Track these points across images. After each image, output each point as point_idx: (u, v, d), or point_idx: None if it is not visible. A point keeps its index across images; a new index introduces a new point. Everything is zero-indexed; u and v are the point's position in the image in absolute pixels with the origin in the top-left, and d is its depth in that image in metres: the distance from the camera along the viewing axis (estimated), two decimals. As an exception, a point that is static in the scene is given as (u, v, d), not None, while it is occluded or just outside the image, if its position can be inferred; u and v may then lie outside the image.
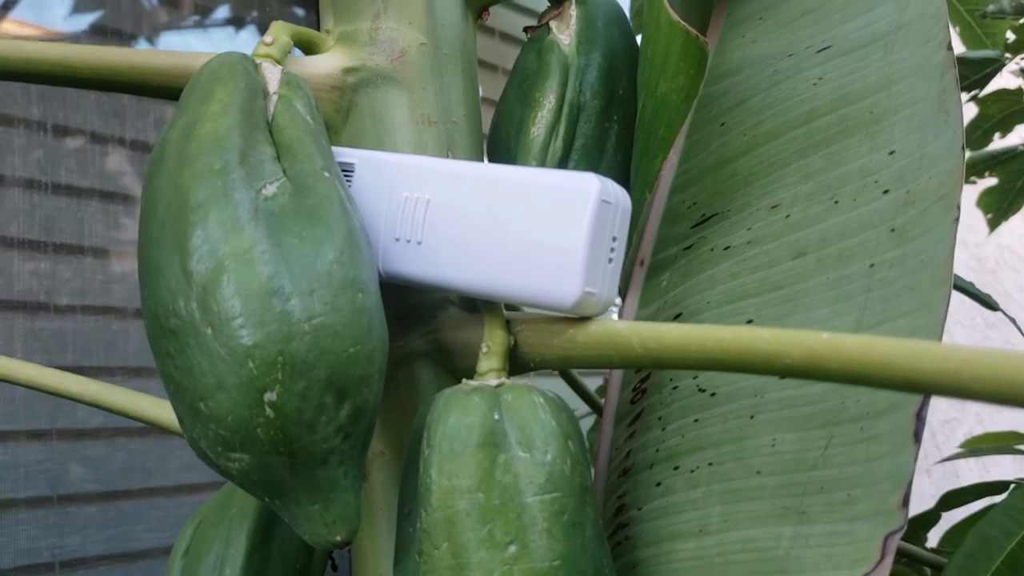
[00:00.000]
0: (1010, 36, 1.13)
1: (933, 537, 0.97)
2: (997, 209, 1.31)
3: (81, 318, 0.83)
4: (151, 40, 0.96)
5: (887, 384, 0.24)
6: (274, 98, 0.36)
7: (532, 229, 0.34)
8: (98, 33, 0.89)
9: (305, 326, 0.30)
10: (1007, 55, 1.14)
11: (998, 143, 1.25)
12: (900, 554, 0.81)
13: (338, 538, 0.31)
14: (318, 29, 0.44)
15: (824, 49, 0.46)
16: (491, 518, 0.31)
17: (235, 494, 0.42)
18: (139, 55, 0.40)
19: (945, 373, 0.23)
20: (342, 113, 0.42)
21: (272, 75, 0.37)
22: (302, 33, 0.41)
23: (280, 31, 0.39)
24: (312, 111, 0.37)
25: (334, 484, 0.31)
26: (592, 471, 0.35)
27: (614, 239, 0.34)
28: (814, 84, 0.44)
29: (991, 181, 1.28)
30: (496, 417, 0.33)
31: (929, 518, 0.86)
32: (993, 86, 1.18)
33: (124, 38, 0.91)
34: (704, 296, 0.42)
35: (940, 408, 2.25)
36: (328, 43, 0.43)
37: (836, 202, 0.40)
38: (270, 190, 0.33)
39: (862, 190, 0.39)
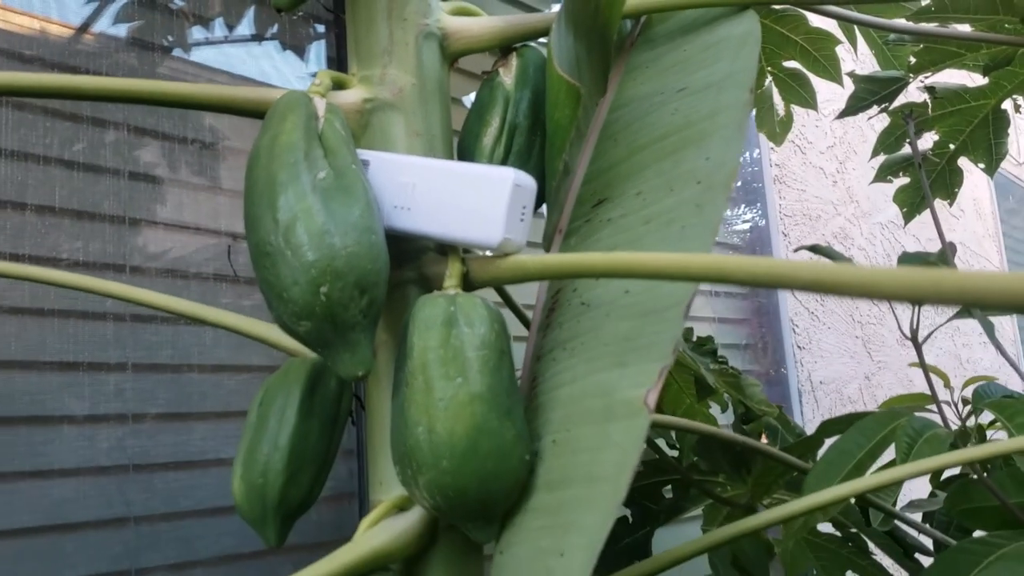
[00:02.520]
0: (912, 60, 1.35)
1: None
2: (911, 204, 1.53)
3: (143, 279, 1.06)
4: (186, 50, 1.17)
5: (641, 275, 0.47)
6: (322, 120, 0.59)
7: (475, 201, 0.57)
8: (134, 43, 1.10)
9: (343, 252, 0.53)
10: (910, 75, 1.36)
11: (908, 149, 1.48)
12: (786, 464, 1.04)
13: (360, 372, 0.54)
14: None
15: (682, 90, 0.69)
16: (447, 364, 0.54)
17: (289, 370, 0.65)
18: (232, 90, 0.63)
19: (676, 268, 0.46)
20: (361, 128, 0.65)
21: (320, 105, 0.60)
22: (337, 76, 0.65)
23: (324, 77, 0.63)
24: (344, 127, 0.60)
25: (358, 342, 0.54)
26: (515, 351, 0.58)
27: (524, 207, 0.57)
28: (672, 114, 0.67)
29: (904, 180, 1.51)
30: (452, 310, 0.56)
31: (813, 442, 1.07)
32: (901, 100, 1.41)
33: (157, 50, 1.11)
34: (593, 251, 0.65)
35: (885, 383, 2.47)
36: (353, 82, 0.66)
37: (672, 190, 0.63)
38: (321, 175, 0.56)
39: (687, 183, 0.62)
